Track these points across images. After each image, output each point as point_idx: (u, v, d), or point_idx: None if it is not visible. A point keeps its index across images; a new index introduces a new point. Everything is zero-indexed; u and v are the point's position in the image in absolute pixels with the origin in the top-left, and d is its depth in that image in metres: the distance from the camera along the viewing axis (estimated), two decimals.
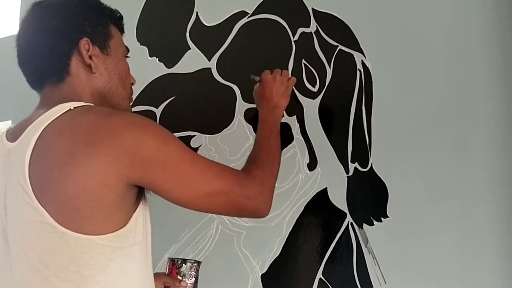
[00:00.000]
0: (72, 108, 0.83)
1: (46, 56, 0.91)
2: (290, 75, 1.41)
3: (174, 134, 1.67)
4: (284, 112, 1.51)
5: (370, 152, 1.42)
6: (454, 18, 1.38)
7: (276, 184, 1.42)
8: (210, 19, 1.76)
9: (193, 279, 1.10)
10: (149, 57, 1.84)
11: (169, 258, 1.14)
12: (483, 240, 1.27)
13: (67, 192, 0.77)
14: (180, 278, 1.09)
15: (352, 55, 1.49)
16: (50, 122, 0.81)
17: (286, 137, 1.53)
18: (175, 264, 1.10)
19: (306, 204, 1.47)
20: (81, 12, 0.93)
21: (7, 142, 0.87)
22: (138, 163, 0.80)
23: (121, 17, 1.02)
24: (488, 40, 1.33)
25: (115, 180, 0.79)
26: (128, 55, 1.05)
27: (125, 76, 1.01)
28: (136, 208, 0.85)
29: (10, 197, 0.82)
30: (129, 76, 1.03)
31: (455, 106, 1.34)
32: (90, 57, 0.92)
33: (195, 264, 1.11)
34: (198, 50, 1.75)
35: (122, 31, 1.03)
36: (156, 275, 1.03)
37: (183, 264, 1.09)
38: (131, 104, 1.07)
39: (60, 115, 0.82)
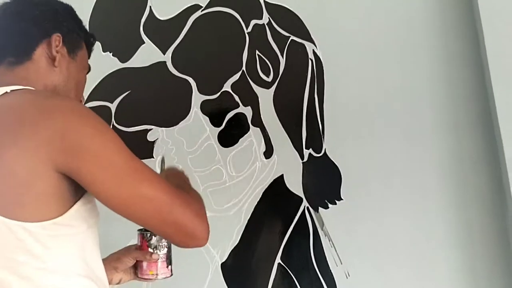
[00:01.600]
0: (8, 91, 0.80)
1: (15, 36, 0.90)
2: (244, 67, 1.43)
3: (130, 128, 1.69)
4: (240, 102, 1.55)
5: (324, 138, 1.46)
6: (399, 4, 1.45)
7: (234, 174, 1.44)
8: (164, 13, 1.76)
9: (165, 249, 1.03)
10: (102, 52, 1.81)
11: (138, 230, 1.06)
12: (432, 219, 1.34)
13: None
14: (152, 250, 1.02)
15: (304, 45, 1.54)
16: None
17: (242, 126, 1.55)
18: (144, 237, 1.03)
19: (264, 191, 1.50)
20: (63, 14, 0.95)
21: None
22: (67, 149, 0.74)
23: (93, 42, 1.04)
24: (432, 26, 1.41)
25: (43, 165, 0.73)
26: (87, 73, 1.06)
27: (81, 87, 1.00)
28: (80, 198, 0.80)
29: None
30: (83, 90, 1.02)
31: (402, 91, 1.41)
32: (57, 52, 0.91)
33: None
34: (153, 44, 1.75)
35: (89, 54, 1.04)
36: (126, 250, 1.01)
37: (153, 236, 1.01)
38: None
39: None
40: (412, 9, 1.44)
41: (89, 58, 1.04)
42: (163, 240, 1.01)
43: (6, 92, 0.79)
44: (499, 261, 1.27)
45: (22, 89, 0.82)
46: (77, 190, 0.79)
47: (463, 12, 1.40)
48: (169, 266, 1.02)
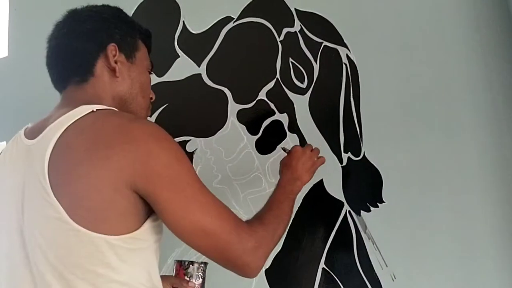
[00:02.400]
0: (94, 110, 0.85)
1: (74, 56, 0.94)
2: (278, 75, 1.45)
3: None
4: (276, 109, 1.57)
5: (362, 141, 1.46)
6: (430, 6, 1.44)
7: (273, 180, 1.46)
8: (197, 27, 1.80)
9: (200, 279, 1.11)
10: None
11: (176, 260, 1.15)
12: (477, 219, 1.32)
13: (81, 192, 0.78)
14: (188, 279, 1.11)
15: (337, 50, 1.55)
16: (72, 123, 0.83)
17: (279, 133, 1.57)
18: (182, 265, 1.12)
19: (304, 197, 1.50)
20: (113, 21, 0.97)
21: (26, 140, 0.88)
22: (146, 174, 0.79)
23: (149, 35, 1.07)
24: (466, 21, 1.40)
25: (124, 185, 0.79)
26: (152, 71, 1.09)
27: (146, 87, 1.04)
28: (151, 214, 0.85)
29: (28, 194, 0.82)
30: (149, 89, 1.07)
31: (438, 90, 1.40)
32: (116, 62, 0.95)
33: (202, 265, 1.13)
34: (187, 57, 1.79)
35: (149, 48, 1.07)
36: (164, 277, 1.04)
37: (190, 265, 1.11)
38: (148, 115, 1.10)
39: (83, 116, 0.84)
40: (444, 6, 1.43)
41: (149, 51, 1.07)
42: (199, 270, 1.10)
43: (93, 111, 0.85)
44: None
45: (107, 109, 0.88)
46: (148, 207, 0.84)
47: (498, 5, 1.38)
48: None
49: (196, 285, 1.11)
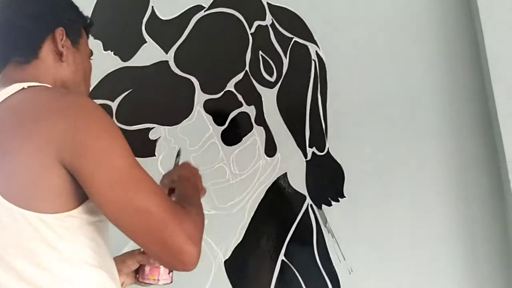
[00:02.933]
0: (25, 87, 0.82)
1: (19, 36, 0.91)
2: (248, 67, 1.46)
3: (132, 126, 1.70)
4: (243, 101, 1.57)
5: (327, 136, 1.50)
6: (399, 8, 1.49)
7: (237, 172, 1.47)
8: (166, 13, 1.77)
9: None
10: (103, 50, 1.81)
11: None
12: (433, 216, 1.38)
13: (10, 169, 0.75)
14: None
15: (307, 46, 1.57)
16: (2, 101, 0.80)
17: (245, 125, 1.58)
18: None
19: (267, 189, 1.52)
20: (61, 5, 0.96)
21: None
22: (74, 146, 0.74)
23: (91, 24, 1.05)
24: (432, 28, 1.46)
25: (53, 160, 0.74)
26: (91, 58, 1.07)
27: (88, 74, 1.02)
28: None
29: None
30: (90, 77, 1.04)
31: (402, 91, 1.46)
32: (63, 46, 0.92)
33: None
34: (155, 43, 1.76)
35: (88, 36, 1.05)
36: (130, 254, 1.02)
37: None
38: None
39: (13, 93, 0.80)
40: (413, 11, 1.49)
41: (88, 37, 1.05)
42: None
43: (24, 88, 0.81)
44: (499, 256, 1.32)
45: (39, 85, 0.84)
46: None
47: (463, 15, 1.45)
48: (171, 273, 1.04)
49: None
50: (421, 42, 1.46)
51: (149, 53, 1.75)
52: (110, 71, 1.79)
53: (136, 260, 1.04)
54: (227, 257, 1.52)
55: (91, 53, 1.05)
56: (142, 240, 0.76)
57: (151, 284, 1.04)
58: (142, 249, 1.05)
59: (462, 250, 1.34)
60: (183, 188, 0.98)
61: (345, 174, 1.46)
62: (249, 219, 1.53)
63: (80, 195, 0.78)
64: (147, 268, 1.04)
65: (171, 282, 1.04)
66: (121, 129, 1.64)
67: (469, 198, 1.36)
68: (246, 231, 1.52)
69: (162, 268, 1.03)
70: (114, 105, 1.76)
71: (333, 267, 1.43)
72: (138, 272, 1.06)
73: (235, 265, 1.51)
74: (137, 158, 0.79)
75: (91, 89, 1.66)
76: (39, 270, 0.76)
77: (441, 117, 1.41)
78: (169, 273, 1.04)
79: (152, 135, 1.67)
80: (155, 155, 1.64)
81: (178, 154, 1.17)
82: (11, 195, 0.74)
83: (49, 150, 0.74)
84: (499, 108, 1.26)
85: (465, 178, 1.37)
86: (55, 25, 0.92)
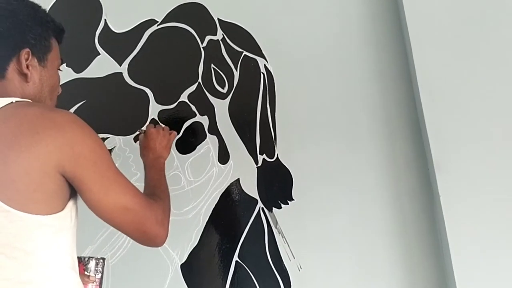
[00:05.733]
0: (14, 101, 0.88)
1: None
2: (200, 79, 1.55)
3: None
4: (197, 111, 1.65)
5: (276, 144, 1.61)
6: (338, 24, 1.65)
7: (192, 179, 1.54)
8: (119, 26, 1.82)
9: (100, 274, 1.14)
10: None
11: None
12: (371, 214, 1.52)
13: (10, 175, 0.81)
14: (88, 274, 1.13)
15: (256, 60, 1.68)
16: None
17: (199, 134, 1.66)
18: (82, 261, 1.13)
19: (221, 195, 1.60)
20: (28, 24, 0.96)
21: None
22: (74, 157, 0.85)
23: (63, 31, 1.07)
24: (366, 43, 1.63)
25: (53, 168, 0.84)
26: (60, 68, 1.09)
27: (55, 88, 1.06)
28: (70, 198, 0.91)
29: None
30: (57, 88, 1.09)
31: (342, 101, 1.60)
32: (27, 67, 0.95)
33: (101, 261, 1.16)
34: (108, 56, 1.80)
35: (60, 42, 1.08)
36: None
37: (90, 261, 1.13)
38: None
39: (2, 106, 0.87)
40: (351, 27, 1.65)
41: (60, 43, 1.07)
42: (99, 265, 1.14)
43: (12, 102, 0.88)
44: (429, 246, 1.47)
45: (26, 101, 0.92)
46: (70, 190, 0.90)
47: (393, 30, 1.62)
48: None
49: (96, 280, 1.14)
50: (357, 55, 1.62)
51: (103, 65, 1.79)
52: (62, 83, 1.80)
53: None
54: (183, 261, 1.58)
55: (62, 62, 1.09)
56: (127, 231, 0.95)
57: None
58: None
59: (397, 242, 1.48)
60: (151, 178, 1.21)
61: (293, 179, 1.57)
62: (204, 224, 1.60)
63: (66, 198, 0.88)
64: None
65: None
66: None
67: (402, 197, 1.51)
68: (201, 235, 1.59)
69: (93, 286, 1.12)
70: None
71: (284, 265, 1.53)
72: None
73: (191, 268, 1.58)
74: None
75: None
76: (25, 269, 0.83)
77: (376, 124, 1.56)
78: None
79: (107, 145, 1.71)
80: None
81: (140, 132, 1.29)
82: (9, 199, 0.81)
83: (50, 160, 0.83)
84: (426, 114, 1.42)
85: (398, 179, 1.53)
86: (20, 47, 0.95)
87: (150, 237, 0.96)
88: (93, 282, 1.12)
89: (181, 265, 1.58)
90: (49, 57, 1.01)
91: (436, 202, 1.42)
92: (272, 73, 1.66)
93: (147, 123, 1.40)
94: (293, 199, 1.56)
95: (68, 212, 0.88)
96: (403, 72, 1.57)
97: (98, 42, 1.82)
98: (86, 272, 1.12)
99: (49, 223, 0.85)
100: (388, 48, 1.61)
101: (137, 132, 1.38)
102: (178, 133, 1.68)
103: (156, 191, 1.12)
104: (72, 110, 1.77)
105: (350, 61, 1.62)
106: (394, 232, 1.49)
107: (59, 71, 1.09)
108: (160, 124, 1.40)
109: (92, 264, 1.13)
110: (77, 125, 0.89)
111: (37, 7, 1.01)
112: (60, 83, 1.74)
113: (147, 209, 0.94)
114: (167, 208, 1.06)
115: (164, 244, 1.55)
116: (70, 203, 0.89)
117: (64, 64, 1.78)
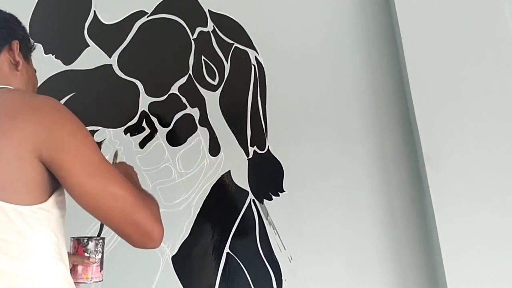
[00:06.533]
0: None
1: None
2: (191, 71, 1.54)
3: None
4: (187, 103, 1.65)
5: (267, 136, 1.61)
6: (329, 17, 1.64)
7: (183, 171, 1.54)
8: (109, 18, 1.81)
9: (100, 254, 1.12)
10: (44, 54, 1.81)
11: (73, 238, 1.14)
12: (361, 206, 1.53)
13: None
14: (88, 255, 1.10)
15: (247, 52, 1.68)
16: None
17: (190, 126, 1.65)
18: (81, 243, 1.11)
19: (212, 187, 1.60)
20: (14, 22, 1.01)
21: None
22: (52, 141, 0.81)
23: (34, 48, 1.09)
24: (357, 36, 1.63)
25: (31, 154, 0.81)
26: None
27: (36, 88, 1.08)
28: (56, 189, 0.88)
29: None
30: (36, 90, 1.10)
31: (334, 94, 1.60)
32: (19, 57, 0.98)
33: (100, 241, 1.14)
34: (98, 47, 1.79)
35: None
36: None
37: (89, 242, 1.11)
38: None
39: None
40: (342, 20, 1.65)
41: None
42: (99, 245, 1.11)
43: None
44: (419, 240, 1.49)
45: (5, 87, 0.90)
46: (54, 181, 0.86)
47: (384, 25, 1.63)
48: (102, 271, 1.11)
49: (97, 260, 1.12)
50: (349, 48, 1.62)
51: (92, 57, 1.78)
52: (51, 75, 1.79)
53: (71, 261, 1.07)
54: (174, 253, 1.58)
55: (35, 71, 1.10)
56: (117, 223, 0.85)
57: (84, 283, 1.08)
58: (71, 251, 1.10)
59: (387, 234, 1.50)
60: (132, 182, 1.05)
61: (284, 170, 1.58)
62: (195, 216, 1.60)
63: (49, 188, 0.84)
64: (80, 268, 1.08)
65: (102, 280, 1.11)
66: None
67: (392, 189, 1.53)
68: (192, 227, 1.59)
69: (94, 266, 1.09)
70: None
71: (275, 256, 1.54)
72: (71, 273, 1.07)
73: (182, 260, 1.58)
74: None
75: None
76: (9, 260, 0.80)
77: (367, 118, 1.57)
78: (100, 271, 1.10)
79: (97, 138, 1.70)
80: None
81: (115, 155, 1.24)
82: None
83: (26, 145, 0.80)
84: (416, 108, 1.43)
85: (388, 171, 1.54)
86: (11, 38, 0.98)
87: (146, 231, 0.85)
88: (94, 263, 1.09)
89: (172, 257, 1.58)
90: (30, 59, 1.05)
91: (426, 196, 1.43)
92: (263, 65, 1.66)
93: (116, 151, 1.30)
94: (284, 191, 1.57)
95: (52, 203, 0.85)
96: (394, 66, 1.58)
97: (88, 33, 1.81)
98: (86, 254, 1.09)
99: (31, 214, 0.82)
100: (380, 43, 1.62)
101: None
102: (169, 126, 1.68)
103: (143, 193, 1.00)
104: (61, 102, 1.75)
105: (342, 54, 1.62)
106: (384, 225, 1.50)
107: None
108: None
109: (91, 245, 1.10)
110: (55, 109, 0.85)
111: (15, 16, 1.04)
112: (50, 75, 1.79)
113: (140, 199, 0.86)
114: (158, 206, 0.96)
115: None
116: (55, 194, 0.86)
117: (53, 56, 1.81)
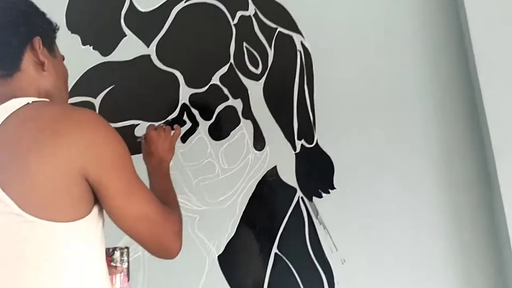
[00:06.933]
0: (30, 102, 0.83)
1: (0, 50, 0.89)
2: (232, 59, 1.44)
3: (117, 123, 1.66)
4: (229, 95, 1.55)
5: (315, 128, 1.49)
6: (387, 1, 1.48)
7: (227, 167, 1.46)
8: (145, 5, 1.72)
9: (126, 263, 1.13)
10: (82, 45, 1.76)
11: None
12: (421, 205, 1.40)
13: (32, 182, 0.76)
14: (114, 265, 1.12)
15: (291, 37, 1.55)
16: (10, 115, 0.80)
17: (233, 119, 1.56)
18: (107, 253, 1.14)
19: (258, 183, 1.52)
20: (33, 14, 0.94)
21: None
22: (98, 159, 0.81)
23: (58, 28, 1.02)
24: (419, 19, 1.45)
25: (77, 172, 0.79)
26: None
27: (67, 79, 1.03)
28: (96, 201, 0.86)
29: None
30: (67, 80, 1.04)
31: (390, 82, 1.45)
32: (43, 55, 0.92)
33: (125, 250, 1.14)
34: (135, 37, 1.71)
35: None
36: None
37: (115, 252, 1.12)
38: None
39: (19, 108, 0.81)
40: (402, 6, 1.47)
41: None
42: (124, 255, 1.11)
43: (28, 103, 0.83)
44: (487, 242, 1.34)
45: (42, 100, 0.87)
46: (94, 194, 0.85)
47: (449, 7, 1.44)
48: (129, 281, 1.10)
49: (124, 269, 1.12)
50: (409, 32, 1.45)
51: (130, 47, 1.71)
52: (90, 67, 1.74)
53: None
54: (220, 252, 1.52)
55: (63, 58, 1.04)
56: (143, 241, 0.90)
57: None
58: None
59: (450, 236, 1.36)
60: (158, 186, 1.13)
61: (334, 166, 1.46)
62: (241, 214, 1.53)
63: (91, 202, 0.83)
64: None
65: None
66: None
67: (457, 186, 1.38)
68: (238, 225, 1.53)
69: (121, 275, 1.09)
70: (96, 102, 1.72)
71: (326, 258, 1.44)
72: None
73: (229, 260, 1.52)
74: None
75: (71, 85, 1.66)
76: (56, 281, 0.79)
77: (428, 108, 1.41)
78: (128, 281, 1.10)
79: (137, 132, 1.65)
80: (141, 153, 1.62)
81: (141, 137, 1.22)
82: (32, 208, 0.76)
83: (74, 164, 0.78)
84: (484, 95, 1.27)
85: (451, 166, 1.39)
86: (32, 35, 0.92)
87: (166, 249, 0.92)
88: (120, 272, 1.10)
89: (219, 257, 1.52)
90: (55, 48, 0.99)
91: (495, 194, 1.28)
92: (310, 50, 1.53)
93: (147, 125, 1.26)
94: (335, 188, 1.46)
95: (94, 216, 0.84)
96: (458, 48, 1.40)
97: (124, 22, 1.73)
98: (112, 263, 1.11)
99: (77, 230, 0.80)
100: (442, 22, 1.44)
101: (138, 140, 1.26)
102: (211, 119, 1.59)
103: (166, 200, 1.03)
104: (101, 95, 1.71)
105: (399, 35, 1.45)
106: (446, 225, 1.37)
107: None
108: (162, 124, 1.27)
109: (117, 255, 1.11)
110: (99, 125, 0.84)
111: (33, 2, 0.98)
112: (88, 68, 1.74)
113: (166, 220, 0.91)
114: (180, 218, 1.01)
115: (201, 235, 1.55)
116: (95, 208, 0.85)
117: (91, 47, 1.76)
